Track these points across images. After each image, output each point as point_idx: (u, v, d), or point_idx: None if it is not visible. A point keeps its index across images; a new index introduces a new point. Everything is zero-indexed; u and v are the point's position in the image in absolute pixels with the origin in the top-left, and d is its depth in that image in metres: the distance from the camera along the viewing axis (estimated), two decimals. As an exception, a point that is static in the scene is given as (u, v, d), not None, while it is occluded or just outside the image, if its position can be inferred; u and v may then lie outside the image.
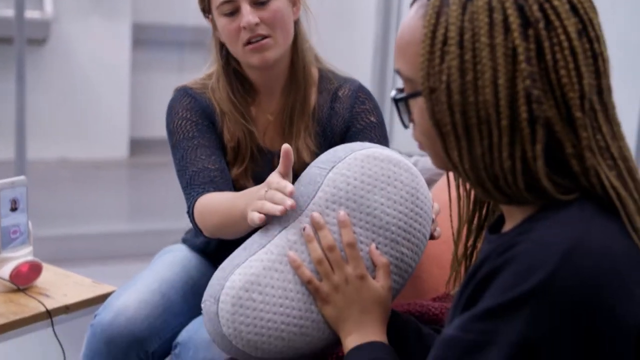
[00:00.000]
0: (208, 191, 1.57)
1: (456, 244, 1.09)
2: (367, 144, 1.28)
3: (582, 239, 0.79)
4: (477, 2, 0.84)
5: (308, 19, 1.71)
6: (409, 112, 0.93)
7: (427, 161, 2.10)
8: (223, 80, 1.68)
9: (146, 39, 5.17)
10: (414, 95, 0.90)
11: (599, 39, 0.85)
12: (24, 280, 1.82)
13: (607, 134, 0.85)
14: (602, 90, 0.85)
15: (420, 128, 0.92)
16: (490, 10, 0.83)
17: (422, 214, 1.25)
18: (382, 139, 1.69)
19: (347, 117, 1.68)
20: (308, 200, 1.22)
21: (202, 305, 1.24)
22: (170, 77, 5.05)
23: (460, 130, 0.85)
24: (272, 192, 1.22)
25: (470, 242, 1.06)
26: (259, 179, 1.66)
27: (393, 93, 0.94)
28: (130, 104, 5.06)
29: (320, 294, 1.18)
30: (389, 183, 1.23)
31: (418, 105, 0.91)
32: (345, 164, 1.23)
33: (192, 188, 1.59)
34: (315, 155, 1.64)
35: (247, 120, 1.67)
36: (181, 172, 1.63)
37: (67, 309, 1.78)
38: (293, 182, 1.26)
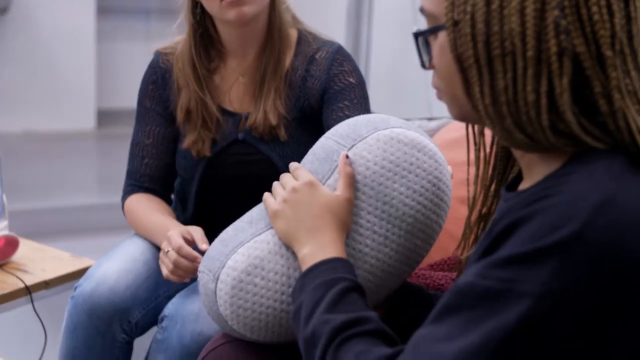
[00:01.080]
0: (137, 192, 1.73)
1: (471, 209, 1.06)
2: (391, 122, 1.19)
3: (614, 195, 0.76)
4: None
5: None
6: (430, 53, 0.90)
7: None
8: (189, 40, 1.66)
9: (111, 6, 5.06)
10: (436, 29, 0.88)
11: None
12: (0, 255, 1.76)
13: (635, 80, 0.82)
14: (633, 36, 0.83)
15: (439, 69, 0.89)
16: None
17: (441, 204, 1.18)
18: (363, 99, 1.66)
19: (324, 79, 1.65)
20: (322, 179, 1.16)
21: (199, 275, 1.19)
22: (137, 46, 4.96)
23: (483, 62, 0.82)
24: (169, 261, 1.46)
25: (485, 209, 1.03)
26: (216, 144, 1.67)
27: (414, 29, 0.91)
28: (96, 74, 4.96)
29: (271, 210, 1.14)
30: (411, 171, 1.15)
31: (439, 43, 0.88)
32: (367, 144, 1.15)
33: (126, 182, 1.76)
34: (283, 118, 1.63)
35: (202, 89, 1.66)
36: (129, 157, 1.77)
37: (46, 285, 1.74)
38: (297, 155, 1.24)
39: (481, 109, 0.84)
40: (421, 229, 1.16)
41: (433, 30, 0.88)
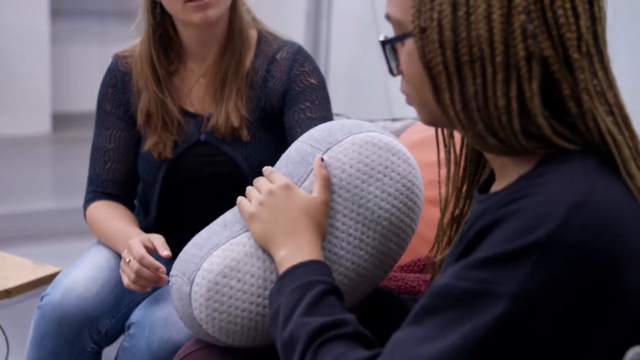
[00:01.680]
0: (100, 199, 1.70)
1: (443, 211, 1.05)
2: (365, 126, 1.20)
3: (589, 195, 0.77)
4: None
5: None
6: (397, 60, 0.90)
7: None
8: (148, 41, 1.65)
9: (65, 8, 4.98)
10: (403, 36, 0.87)
11: None
12: (-41, 265, 1.72)
13: (602, 81, 0.83)
14: (598, 36, 0.83)
15: (407, 75, 0.89)
16: None
17: (414, 208, 1.19)
18: (323, 100, 1.67)
19: (285, 80, 1.65)
20: (298, 182, 1.15)
21: (171, 280, 1.18)
22: (92, 49, 4.89)
23: (452, 68, 0.82)
24: (131, 270, 1.44)
25: (457, 211, 1.03)
26: (178, 146, 1.65)
27: (381, 38, 0.90)
28: (51, 76, 4.88)
29: (247, 212, 1.12)
30: (386, 174, 1.15)
31: (406, 50, 0.87)
32: (342, 147, 1.16)
33: (88, 188, 1.72)
34: (245, 120, 1.63)
35: (162, 90, 1.64)
36: (89, 162, 1.73)
37: (8, 294, 1.70)
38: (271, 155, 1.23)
39: (452, 115, 0.84)
40: (395, 232, 1.16)
41: (400, 38, 0.88)
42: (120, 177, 1.71)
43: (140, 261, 1.44)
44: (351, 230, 1.14)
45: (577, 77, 0.81)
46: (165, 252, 1.46)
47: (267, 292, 1.11)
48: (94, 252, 1.67)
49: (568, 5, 0.80)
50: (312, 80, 1.66)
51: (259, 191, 1.13)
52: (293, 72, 1.65)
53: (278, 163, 1.21)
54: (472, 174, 1.01)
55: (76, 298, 1.54)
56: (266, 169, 1.17)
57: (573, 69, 0.81)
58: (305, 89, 1.65)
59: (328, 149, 1.16)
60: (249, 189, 1.16)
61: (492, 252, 0.77)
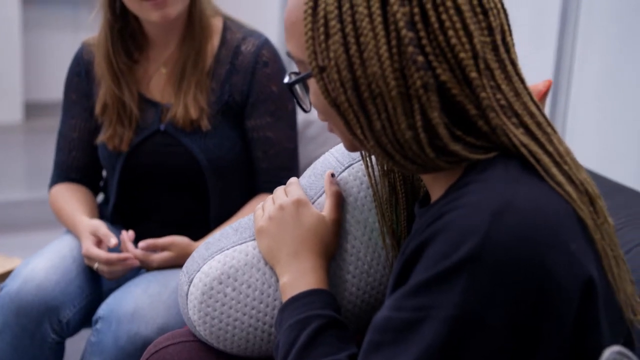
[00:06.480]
0: (61, 182, 1.76)
1: (382, 229, 1.04)
2: None
3: (511, 199, 0.75)
4: None
5: None
6: (308, 94, 0.90)
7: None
8: (105, 35, 1.64)
9: (37, -6, 4.92)
10: (305, 77, 0.87)
11: None
12: None
13: (507, 92, 0.82)
14: (498, 46, 0.82)
15: (320, 110, 0.88)
16: None
17: None
18: (283, 112, 1.67)
19: (248, 80, 1.65)
20: (314, 196, 1.09)
21: (180, 274, 1.15)
22: (65, 36, 4.82)
23: (356, 106, 0.81)
24: (106, 271, 1.55)
25: (396, 225, 1.01)
26: (138, 134, 1.65)
27: (286, 79, 0.91)
28: (22, 64, 4.81)
29: (257, 225, 1.08)
30: None
31: (313, 87, 0.87)
32: (363, 166, 1.07)
33: (53, 172, 1.78)
34: (205, 113, 1.62)
35: (119, 85, 1.64)
36: (56, 147, 1.77)
37: (-28, 287, 1.64)
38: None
39: (369, 148, 0.84)
40: None
41: (302, 79, 0.88)
42: (85, 164, 1.76)
43: (108, 263, 1.53)
44: (360, 255, 1.08)
45: (479, 96, 0.80)
46: (112, 241, 1.53)
47: (262, 306, 1.07)
48: (57, 242, 1.65)
49: (459, 25, 0.79)
50: (273, 88, 1.66)
51: (274, 203, 1.08)
52: (256, 75, 1.65)
53: (306, 171, 1.15)
54: (397, 186, 1.01)
55: (35, 287, 1.51)
56: (291, 180, 1.12)
57: (473, 88, 0.80)
58: (266, 98, 1.65)
59: (350, 165, 1.09)
60: (267, 198, 1.11)
61: (424, 277, 0.75)
